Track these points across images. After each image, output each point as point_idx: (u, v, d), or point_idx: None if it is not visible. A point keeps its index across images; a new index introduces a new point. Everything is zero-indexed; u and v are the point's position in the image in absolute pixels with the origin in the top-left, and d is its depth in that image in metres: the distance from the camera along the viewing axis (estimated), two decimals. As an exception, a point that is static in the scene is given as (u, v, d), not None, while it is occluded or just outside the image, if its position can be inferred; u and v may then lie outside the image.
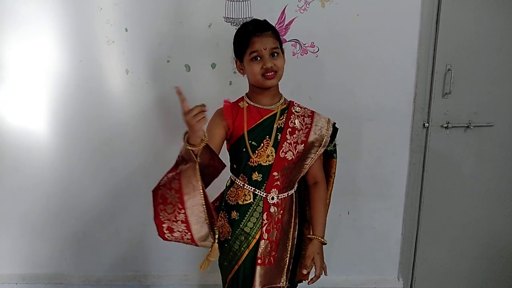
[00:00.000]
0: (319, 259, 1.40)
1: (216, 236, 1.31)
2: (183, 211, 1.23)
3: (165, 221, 1.27)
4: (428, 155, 2.08)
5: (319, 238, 1.41)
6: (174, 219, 1.25)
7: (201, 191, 1.21)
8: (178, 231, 1.27)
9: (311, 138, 1.38)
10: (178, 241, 1.32)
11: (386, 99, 1.98)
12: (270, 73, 1.30)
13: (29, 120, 2.06)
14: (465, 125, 2.04)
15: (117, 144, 2.06)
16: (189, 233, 1.26)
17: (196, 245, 1.31)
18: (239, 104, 1.41)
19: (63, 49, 1.96)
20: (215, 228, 1.30)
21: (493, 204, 2.14)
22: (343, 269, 2.19)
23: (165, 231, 1.28)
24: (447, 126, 2.04)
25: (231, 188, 1.43)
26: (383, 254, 2.19)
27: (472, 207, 2.15)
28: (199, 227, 1.26)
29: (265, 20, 1.37)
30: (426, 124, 2.03)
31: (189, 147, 1.17)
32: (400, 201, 2.13)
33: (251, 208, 1.37)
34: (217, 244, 1.33)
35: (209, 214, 1.25)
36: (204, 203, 1.22)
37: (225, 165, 1.31)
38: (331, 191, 1.54)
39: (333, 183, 1.53)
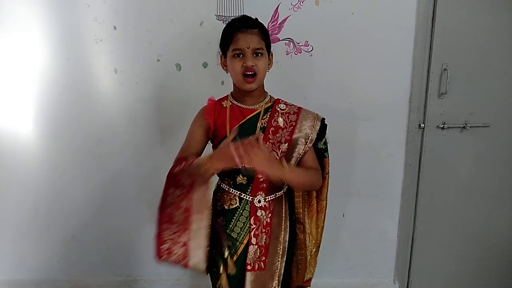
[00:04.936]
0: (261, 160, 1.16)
1: (226, 255, 1.32)
2: (187, 231, 1.25)
3: (167, 241, 1.27)
4: (424, 156, 2.05)
5: (286, 165, 1.21)
6: (177, 240, 1.26)
7: (209, 214, 1.24)
8: (176, 254, 1.27)
9: (296, 136, 1.32)
10: (170, 263, 1.31)
11: (382, 99, 1.96)
12: (250, 73, 1.26)
13: (15, 121, 2.00)
14: (461, 126, 2.01)
15: (106, 144, 2.01)
16: (186, 259, 1.27)
17: (188, 268, 1.30)
18: (223, 103, 1.37)
19: (49, 48, 1.91)
20: (225, 245, 1.33)
21: (489, 205, 2.13)
22: (339, 272, 2.16)
23: (163, 252, 1.27)
24: (443, 126, 2.01)
25: (217, 193, 1.39)
26: (379, 256, 2.16)
27: (469, 208, 2.13)
28: (196, 253, 1.26)
29: (255, 18, 1.34)
30: (422, 125, 2.01)
31: (212, 171, 1.18)
32: (396, 202, 2.10)
33: (237, 212, 1.33)
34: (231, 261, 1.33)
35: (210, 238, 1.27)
36: (208, 226, 1.25)
37: None
38: (326, 193, 1.48)
39: (328, 184, 1.48)
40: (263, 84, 1.36)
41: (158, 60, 1.91)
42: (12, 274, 2.17)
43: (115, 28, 1.88)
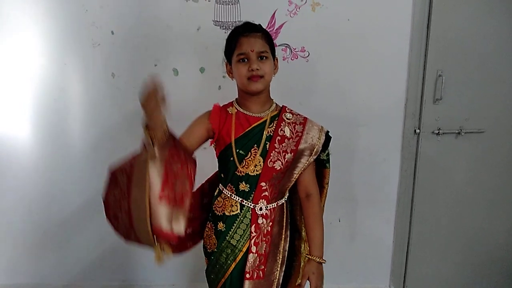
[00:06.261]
0: (314, 279, 1.35)
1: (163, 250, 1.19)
2: (126, 200, 1.13)
3: (111, 207, 1.18)
4: (419, 162, 2.06)
5: (316, 258, 1.36)
6: (119, 208, 1.15)
7: (148, 187, 1.09)
8: (123, 223, 1.17)
9: (301, 146, 1.32)
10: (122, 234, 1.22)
11: (377, 104, 1.97)
12: (256, 77, 1.25)
13: (11, 125, 2.00)
14: (456, 132, 2.03)
15: (102, 149, 2.01)
16: (132, 231, 1.16)
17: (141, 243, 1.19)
18: (228, 109, 1.36)
19: (47, 52, 1.92)
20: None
21: (484, 210, 2.13)
22: (335, 277, 2.15)
23: (111, 218, 1.19)
24: (438, 132, 2.02)
25: (218, 198, 1.37)
26: (374, 261, 2.16)
27: (464, 214, 2.14)
28: (140, 226, 1.12)
29: (259, 24, 1.34)
30: (417, 130, 2.02)
31: (147, 137, 1.13)
32: (392, 207, 2.11)
33: (238, 219, 1.31)
34: (160, 249, 1.19)
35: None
36: (147, 201, 1.09)
37: (194, 160, 1.20)
38: (324, 202, 1.48)
39: (326, 194, 1.47)
40: (269, 91, 1.36)
41: (155, 65, 1.91)
42: (7, 279, 2.15)
43: (112, 33, 1.89)
